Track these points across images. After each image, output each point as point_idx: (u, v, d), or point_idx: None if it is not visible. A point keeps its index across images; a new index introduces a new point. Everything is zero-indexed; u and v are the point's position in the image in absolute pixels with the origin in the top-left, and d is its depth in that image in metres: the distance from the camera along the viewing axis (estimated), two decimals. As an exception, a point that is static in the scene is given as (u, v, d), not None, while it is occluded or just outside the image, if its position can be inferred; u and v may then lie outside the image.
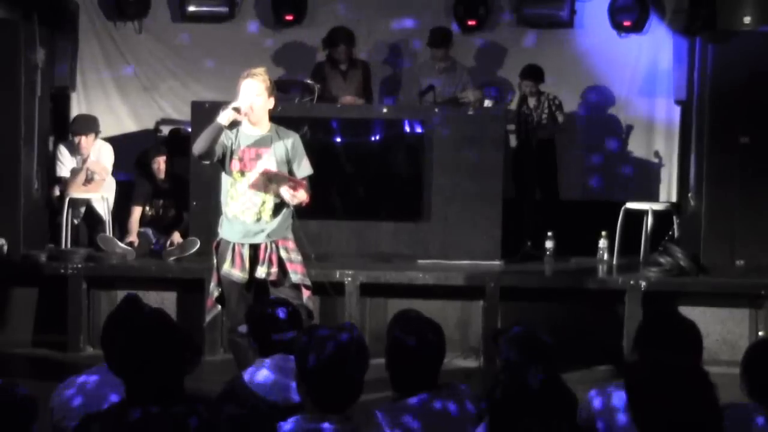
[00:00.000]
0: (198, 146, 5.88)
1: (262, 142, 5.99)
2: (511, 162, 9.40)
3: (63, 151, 8.99)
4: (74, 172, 8.84)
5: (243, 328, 4.50)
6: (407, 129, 8.64)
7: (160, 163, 8.92)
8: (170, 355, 3.06)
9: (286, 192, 5.87)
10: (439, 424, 3.59)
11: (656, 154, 9.96)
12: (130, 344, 3.09)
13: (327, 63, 9.47)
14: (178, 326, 3.21)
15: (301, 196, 5.94)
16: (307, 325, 5.58)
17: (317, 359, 3.18)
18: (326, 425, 3.16)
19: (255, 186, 5.92)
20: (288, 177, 5.93)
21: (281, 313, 4.22)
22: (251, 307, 4.54)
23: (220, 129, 5.83)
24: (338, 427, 3.16)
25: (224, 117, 5.83)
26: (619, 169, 10.03)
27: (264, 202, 5.97)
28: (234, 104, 5.87)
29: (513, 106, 9.48)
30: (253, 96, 5.91)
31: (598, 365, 7.51)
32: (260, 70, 5.99)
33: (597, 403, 3.64)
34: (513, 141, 9.55)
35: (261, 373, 4.04)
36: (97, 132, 8.99)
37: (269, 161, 5.97)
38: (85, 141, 8.83)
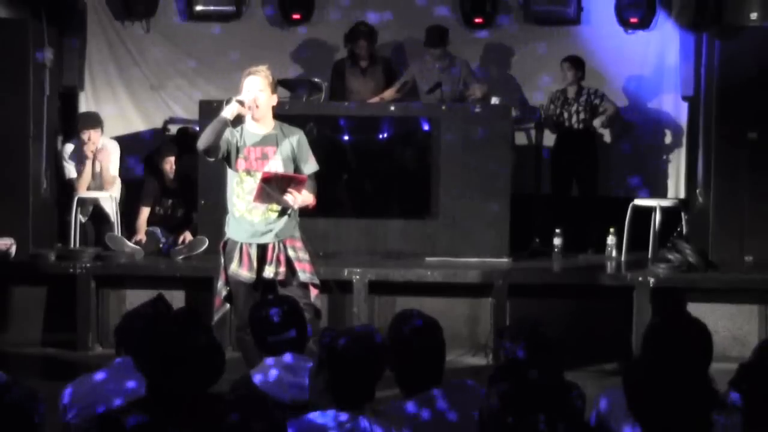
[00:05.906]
0: (203, 141, 5.86)
1: (267, 141, 5.97)
2: (551, 156, 9.41)
3: (68, 151, 9.01)
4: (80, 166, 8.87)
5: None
6: (415, 127, 8.64)
7: (170, 163, 8.93)
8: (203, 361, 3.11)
9: (289, 197, 5.85)
10: (447, 419, 3.59)
11: (664, 150, 9.94)
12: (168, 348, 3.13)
13: (347, 60, 9.49)
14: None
15: (307, 198, 5.95)
16: (314, 323, 5.60)
17: (354, 355, 3.32)
18: (363, 419, 3.26)
19: (259, 199, 5.89)
20: (288, 175, 5.91)
21: (274, 316, 4.21)
22: (251, 309, 4.53)
23: (225, 123, 5.81)
24: (375, 419, 3.26)
25: (229, 111, 5.82)
26: (626, 165, 10.00)
27: (270, 201, 5.96)
28: (238, 97, 5.87)
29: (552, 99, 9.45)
30: (257, 92, 5.91)
31: (607, 362, 7.49)
32: (262, 67, 5.98)
33: (604, 404, 3.63)
34: (549, 137, 9.53)
35: (269, 372, 4.05)
36: (102, 127, 9.03)
37: (276, 160, 5.95)
38: (94, 135, 8.86)
